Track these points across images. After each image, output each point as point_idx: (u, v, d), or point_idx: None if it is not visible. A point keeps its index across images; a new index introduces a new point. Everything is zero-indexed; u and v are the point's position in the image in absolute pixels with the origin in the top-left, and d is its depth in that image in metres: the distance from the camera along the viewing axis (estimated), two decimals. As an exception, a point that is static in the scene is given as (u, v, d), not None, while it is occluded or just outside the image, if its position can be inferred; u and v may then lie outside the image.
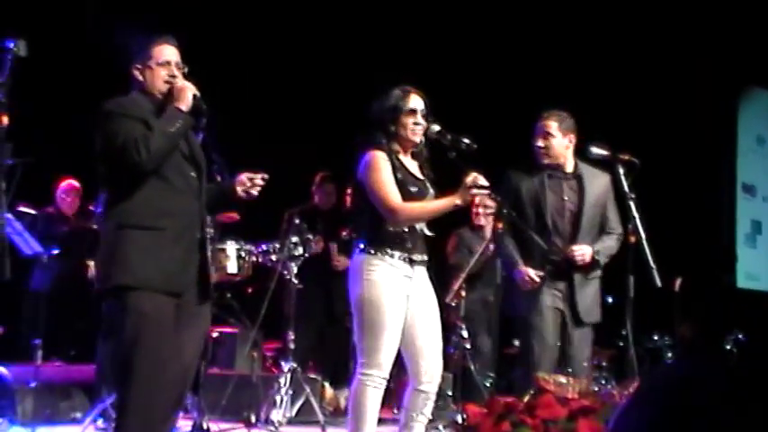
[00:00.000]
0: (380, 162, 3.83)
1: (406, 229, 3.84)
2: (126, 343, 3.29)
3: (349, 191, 6.51)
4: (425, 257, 3.93)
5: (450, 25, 7.59)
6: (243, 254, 5.43)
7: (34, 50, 3.28)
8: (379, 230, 3.82)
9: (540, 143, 4.59)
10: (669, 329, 6.56)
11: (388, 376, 3.77)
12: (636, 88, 7.52)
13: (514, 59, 7.55)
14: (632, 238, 4.37)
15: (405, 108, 3.91)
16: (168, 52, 3.56)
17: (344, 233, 6.18)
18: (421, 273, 3.90)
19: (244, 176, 3.73)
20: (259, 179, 3.72)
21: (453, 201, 3.81)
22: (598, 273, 4.63)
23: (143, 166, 3.35)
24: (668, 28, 7.43)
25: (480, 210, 6.32)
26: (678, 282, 6.45)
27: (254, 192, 3.74)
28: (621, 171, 4.47)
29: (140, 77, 3.53)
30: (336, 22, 7.44)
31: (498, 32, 7.58)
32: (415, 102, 3.95)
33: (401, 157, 3.93)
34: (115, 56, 3.65)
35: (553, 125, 4.59)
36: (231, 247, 5.41)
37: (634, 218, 4.37)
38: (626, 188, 4.43)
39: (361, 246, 3.83)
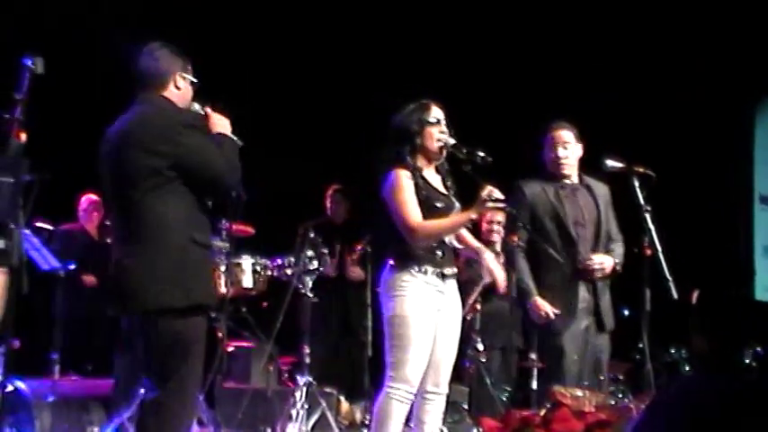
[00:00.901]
0: (404, 181, 3.83)
1: (435, 243, 3.84)
2: (182, 358, 3.37)
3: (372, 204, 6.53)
4: (455, 270, 3.95)
5: (461, 38, 7.59)
6: (258, 268, 5.44)
7: (51, 67, 3.32)
8: (409, 247, 3.83)
9: (561, 153, 4.55)
10: (686, 343, 6.51)
11: (415, 391, 3.77)
12: (652, 100, 7.49)
13: (525, 71, 7.55)
14: (648, 251, 4.36)
15: (429, 119, 3.93)
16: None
17: (359, 246, 6.18)
18: (452, 286, 3.92)
19: None
20: None
21: (469, 215, 3.81)
22: (608, 280, 4.63)
23: (233, 190, 3.53)
24: (684, 39, 7.41)
25: (494, 227, 6.27)
26: (695, 294, 6.40)
27: None
28: (636, 183, 4.47)
29: (181, 85, 3.52)
30: (349, 34, 7.46)
31: (508, 44, 7.57)
32: (438, 113, 3.99)
33: (425, 172, 3.94)
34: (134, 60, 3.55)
35: (570, 135, 4.59)
36: (246, 262, 5.43)
37: (649, 230, 4.36)
38: (641, 200, 4.42)
39: (391, 263, 3.85)
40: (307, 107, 7.47)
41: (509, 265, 4.72)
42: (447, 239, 3.92)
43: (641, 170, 4.48)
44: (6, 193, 3.62)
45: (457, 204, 3.98)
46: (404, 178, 3.84)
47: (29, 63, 3.23)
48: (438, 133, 3.93)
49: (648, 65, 7.53)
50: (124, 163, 3.37)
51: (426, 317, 3.77)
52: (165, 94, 3.49)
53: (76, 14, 5.96)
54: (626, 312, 5.35)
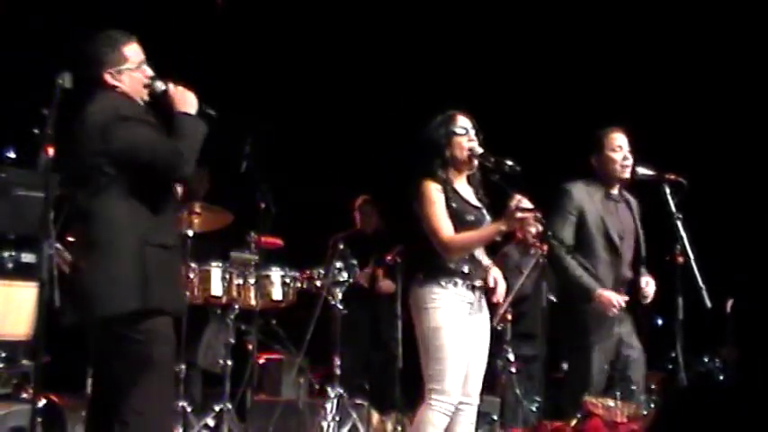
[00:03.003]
0: (434, 194, 3.83)
1: (466, 257, 3.84)
2: (142, 368, 3.18)
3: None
4: (483, 282, 3.93)
5: (494, 46, 7.57)
6: (287, 280, 5.45)
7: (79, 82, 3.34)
8: (439, 259, 3.82)
9: (627, 156, 4.46)
10: (720, 352, 6.42)
11: (455, 402, 3.76)
12: (687, 106, 7.41)
13: (559, 80, 7.51)
14: (680, 259, 4.30)
15: (456, 129, 3.92)
16: (139, 50, 3.38)
17: (389, 257, 6.16)
18: (480, 297, 3.91)
19: None
20: None
21: (499, 227, 3.79)
22: None
23: (184, 177, 3.25)
24: (714, 43, 7.33)
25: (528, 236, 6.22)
26: (729, 303, 6.32)
27: None
28: (668, 191, 4.42)
29: (116, 83, 3.31)
30: (378, 45, 7.47)
31: (540, 54, 7.54)
32: (465, 122, 3.98)
33: (456, 184, 3.93)
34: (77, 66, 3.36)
35: (624, 139, 4.52)
36: (276, 274, 5.44)
37: (681, 238, 4.31)
38: (672, 208, 4.37)
39: (421, 276, 3.84)
40: (336, 118, 7.49)
41: (547, 274, 4.66)
42: (476, 253, 3.90)
43: (672, 177, 4.43)
44: (36, 208, 3.66)
45: (488, 217, 3.97)
46: (434, 192, 3.83)
47: (57, 78, 3.25)
48: (467, 142, 3.92)
49: (681, 70, 7.46)
50: (70, 164, 3.29)
51: (459, 327, 3.76)
52: (114, 91, 3.32)
53: (104, 28, 6.02)
54: (659, 321, 5.28)
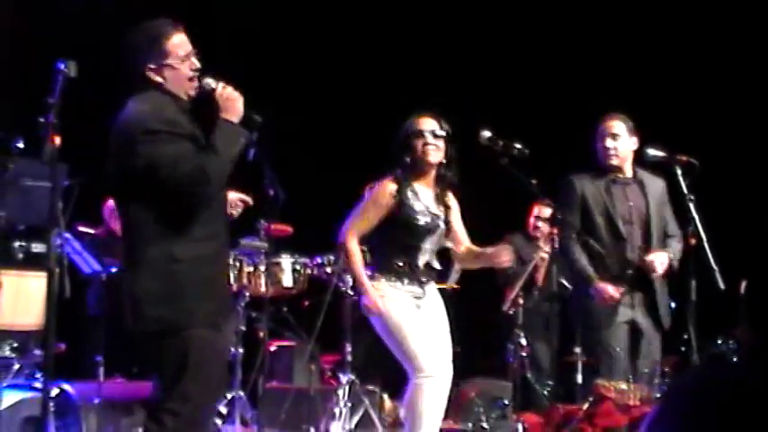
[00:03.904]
0: (380, 197, 3.96)
1: (401, 264, 3.98)
2: (179, 371, 3.10)
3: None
4: (432, 279, 4.09)
5: (497, 30, 7.52)
6: (298, 267, 5.45)
7: (84, 70, 3.32)
8: (388, 261, 3.99)
9: (609, 144, 4.51)
10: (734, 334, 6.38)
11: (435, 374, 3.91)
12: (699, 86, 7.34)
13: (570, 62, 7.45)
14: (693, 240, 4.28)
15: (413, 130, 3.98)
16: (185, 42, 3.17)
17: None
18: (430, 288, 4.07)
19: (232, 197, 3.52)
20: (240, 203, 3.57)
21: (373, 297, 3.92)
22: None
23: (211, 195, 3.09)
24: (726, 22, 7.26)
25: (540, 224, 6.19)
26: (743, 285, 6.27)
27: (234, 213, 3.55)
28: (679, 172, 4.39)
29: (157, 79, 3.14)
30: (387, 38, 7.43)
31: (549, 35, 7.48)
32: (425, 123, 4.01)
33: (417, 187, 3.99)
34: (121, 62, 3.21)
35: (620, 126, 4.54)
36: (286, 261, 5.44)
37: (694, 219, 4.30)
38: (684, 189, 4.35)
39: (369, 273, 4.04)
40: (346, 104, 7.46)
41: (557, 258, 4.67)
42: (420, 263, 3.99)
43: (684, 158, 4.42)
44: (43, 198, 3.66)
45: (442, 225, 4.03)
46: (383, 194, 3.95)
47: (62, 67, 3.22)
48: (421, 145, 3.95)
49: (691, 51, 7.39)
50: (109, 167, 3.18)
51: (409, 310, 3.95)
52: (156, 88, 3.15)
53: (110, 16, 6.00)
54: (672, 304, 5.24)
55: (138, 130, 3.06)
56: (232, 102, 3.17)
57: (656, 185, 4.62)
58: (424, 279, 4.01)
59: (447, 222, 4.04)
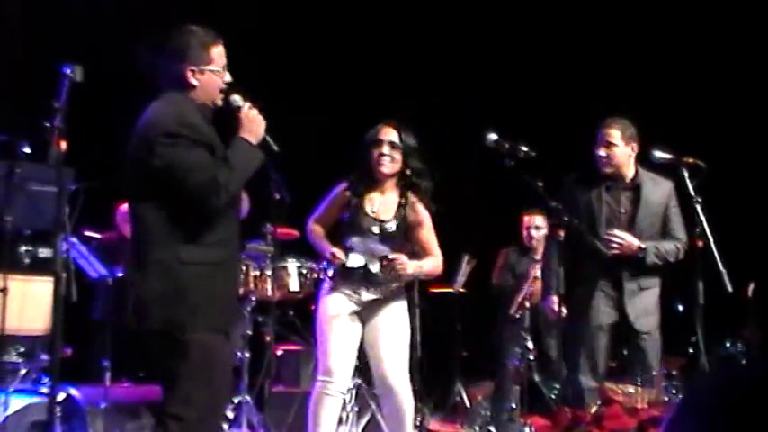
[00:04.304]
0: (334, 194, 4.21)
1: (353, 272, 4.12)
2: (182, 376, 3.12)
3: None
4: (375, 295, 4.17)
5: (503, 30, 7.51)
6: (304, 271, 5.44)
7: (90, 75, 3.33)
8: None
9: (603, 152, 4.52)
10: (741, 336, 6.36)
11: (340, 383, 4.08)
12: (706, 88, 7.33)
13: (576, 64, 7.44)
14: (700, 243, 4.27)
15: (372, 139, 4.11)
16: (223, 54, 3.25)
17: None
18: (374, 298, 4.17)
19: None
20: None
21: (327, 251, 4.14)
22: (656, 281, 4.53)
23: (219, 208, 3.10)
24: (733, 24, 7.24)
25: (533, 232, 6.16)
26: (751, 287, 6.25)
27: None
28: (686, 174, 4.38)
29: (194, 81, 3.18)
30: (397, 44, 7.44)
31: (556, 35, 7.47)
32: (385, 133, 4.11)
33: (373, 194, 4.13)
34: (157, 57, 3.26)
35: (616, 134, 4.52)
36: (292, 265, 5.43)
37: (701, 221, 4.28)
38: (691, 191, 4.34)
39: (325, 273, 4.27)
40: (352, 109, 7.46)
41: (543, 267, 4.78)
42: (357, 269, 4.12)
43: (691, 160, 4.40)
44: (50, 203, 3.66)
45: (389, 231, 4.13)
46: (338, 193, 4.18)
47: (68, 71, 3.23)
48: (377, 155, 4.06)
49: (699, 53, 7.38)
50: (126, 166, 3.18)
51: (339, 313, 4.10)
52: (186, 91, 3.19)
53: (116, 20, 6.01)
54: (679, 307, 5.23)
55: (161, 132, 3.07)
56: (255, 124, 3.25)
57: (658, 189, 4.60)
58: (363, 292, 4.15)
59: (400, 230, 4.13)
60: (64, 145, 3.22)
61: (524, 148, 4.06)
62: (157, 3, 6.12)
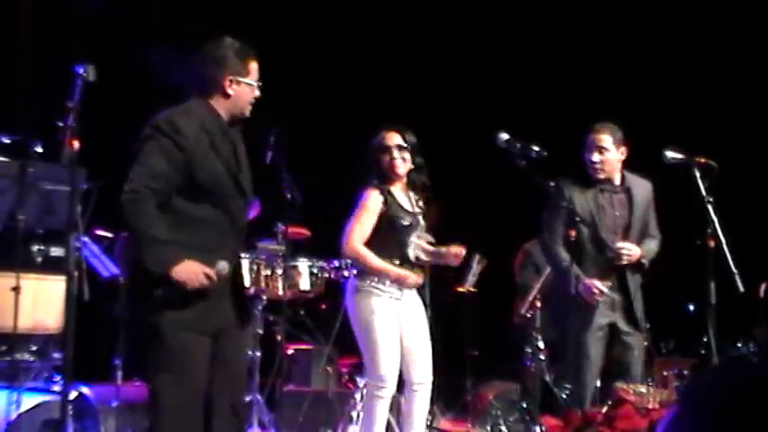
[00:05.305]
0: (371, 203, 4.28)
1: (397, 261, 4.28)
2: (156, 376, 3.19)
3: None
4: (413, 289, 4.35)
5: (504, 30, 7.51)
6: (315, 270, 5.44)
7: (103, 75, 3.34)
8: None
9: (596, 158, 4.51)
10: (754, 336, 6.34)
11: (392, 386, 4.25)
12: (717, 88, 7.32)
13: (582, 64, 7.43)
14: (712, 243, 4.26)
15: (379, 147, 4.35)
16: (257, 71, 3.37)
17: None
18: (410, 295, 4.35)
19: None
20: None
21: (402, 273, 4.25)
22: (639, 280, 4.58)
23: (122, 202, 3.12)
24: (747, 23, 7.22)
25: None
26: (763, 287, 6.23)
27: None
28: (698, 174, 4.37)
29: (230, 90, 3.29)
30: (406, 47, 7.44)
31: (559, 34, 7.46)
32: (390, 139, 4.35)
33: (393, 190, 4.35)
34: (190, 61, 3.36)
35: (607, 139, 4.53)
36: (303, 265, 5.44)
37: (713, 221, 4.27)
38: (703, 191, 4.33)
39: (354, 272, 4.36)
40: (362, 109, 7.47)
41: (551, 263, 4.78)
42: (411, 256, 4.31)
43: (702, 160, 4.39)
44: (62, 202, 3.68)
45: (422, 223, 4.40)
46: (372, 200, 4.28)
47: (81, 71, 3.25)
48: (387, 160, 4.31)
49: (709, 53, 7.36)
50: None
51: (387, 321, 4.21)
52: (213, 99, 3.29)
53: (129, 20, 6.03)
54: (691, 307, 5.22)
55: (150, 126, 3.19)
56: (189, 276, 3.15)
57: (642, 190, 4.64)
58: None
59: (426, 221, 4.42)
60: (77, 144, 3.24)
61: (536, 148, 4.06)
62: (170, 3, 6.15)
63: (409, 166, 4.37)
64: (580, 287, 4.43)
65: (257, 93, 3.35)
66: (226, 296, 3.28)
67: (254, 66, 3.34)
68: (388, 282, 4.27)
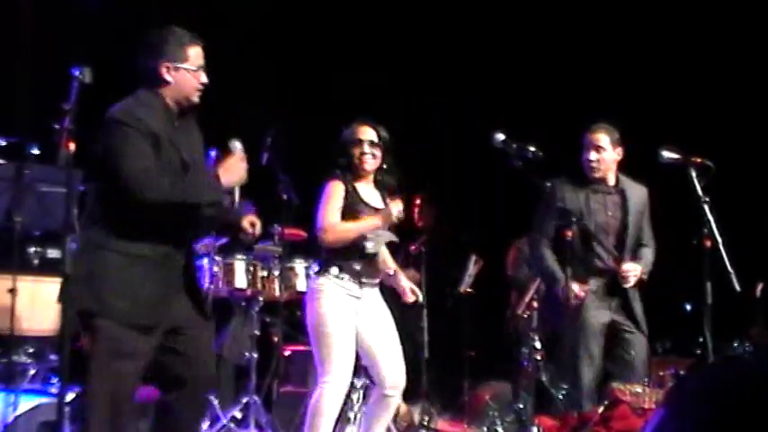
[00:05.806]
0: (333, 190, 4.20)
1: (357, 258, 4.17)
2: (90, 368, 3.20)
3: (417, 203, 6.57)
4: (376, 281, 4.29)
5: (504, 30, 7.51)
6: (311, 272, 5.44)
7: (100, 77, 3.34)
8: (331, 257, 4.18)
9: (592, 157, 4.54)
10: (750, 336, 6.35)
11: (344, 384, 4.15)
12: (713, 88, 7.33)
13: (581, 63, 7.44)
14: (708, 243, 4.27)
15: (351, 139, 4.28)
16: (201, 55, 3.34)
17: (413, 247, 6.16)
18: (371, 293, 4.27)
19: (250, 218, 3.61)
20: (258, 227, 3.63)
21: (375, 221, 4.16)
22: None
23: (144, 201, 3.13)
24: (742, 25, 7.23)
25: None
26: (759, 287, 6.24)
27: (254, 233, 3.65)
28: (694, 174, 4.38)
29: (168, 78, 3.28)
30: (391, 35, 7.44)
31: (558, 34, 7.47)
32: (363, 133, 4.30)
33: (358, 185, 4.28)
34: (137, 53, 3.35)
35: (604, 138, 4.57)
36: (300, 266, 5.45)
37: (709, 222, 4.28)
38: (699, 191, 4.34)
39: (315, 268, 4.30)
40: (361, 110, 7.47)
41: (535, 262, 4.81)
42: (371, 249, 4.20)
43: (699, 160, 4.41)
44: (59, 204, 3.68)
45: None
46: (335, 188, 4.20)
47: (77, 73, 3.25)
48: (358, 154, 4.24)
49: (705, 53, 7.37)
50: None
51: (343, 317, 4.12)
52: (160, 88, 3.28)
53: (125, 22, 6.03)
54: (687, 307, 5.22)
55: (107, 119, 3.19)
56: (235, 172, 3.30)
57: (637, 194, 4.67)
58: (366, 280, 4.20)
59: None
60: (73, 146, 3.24)
61: (532, 149, 4.07)
62: (168, 4, 6.14)
63: (378, 162, 4.30)
64: (557, 291, 4.49)
65: (203, 78, 3.32)
66: (175, 293, 3.28)
67: (193, 51, 3.31)
68: (347, 278, 4.17)
